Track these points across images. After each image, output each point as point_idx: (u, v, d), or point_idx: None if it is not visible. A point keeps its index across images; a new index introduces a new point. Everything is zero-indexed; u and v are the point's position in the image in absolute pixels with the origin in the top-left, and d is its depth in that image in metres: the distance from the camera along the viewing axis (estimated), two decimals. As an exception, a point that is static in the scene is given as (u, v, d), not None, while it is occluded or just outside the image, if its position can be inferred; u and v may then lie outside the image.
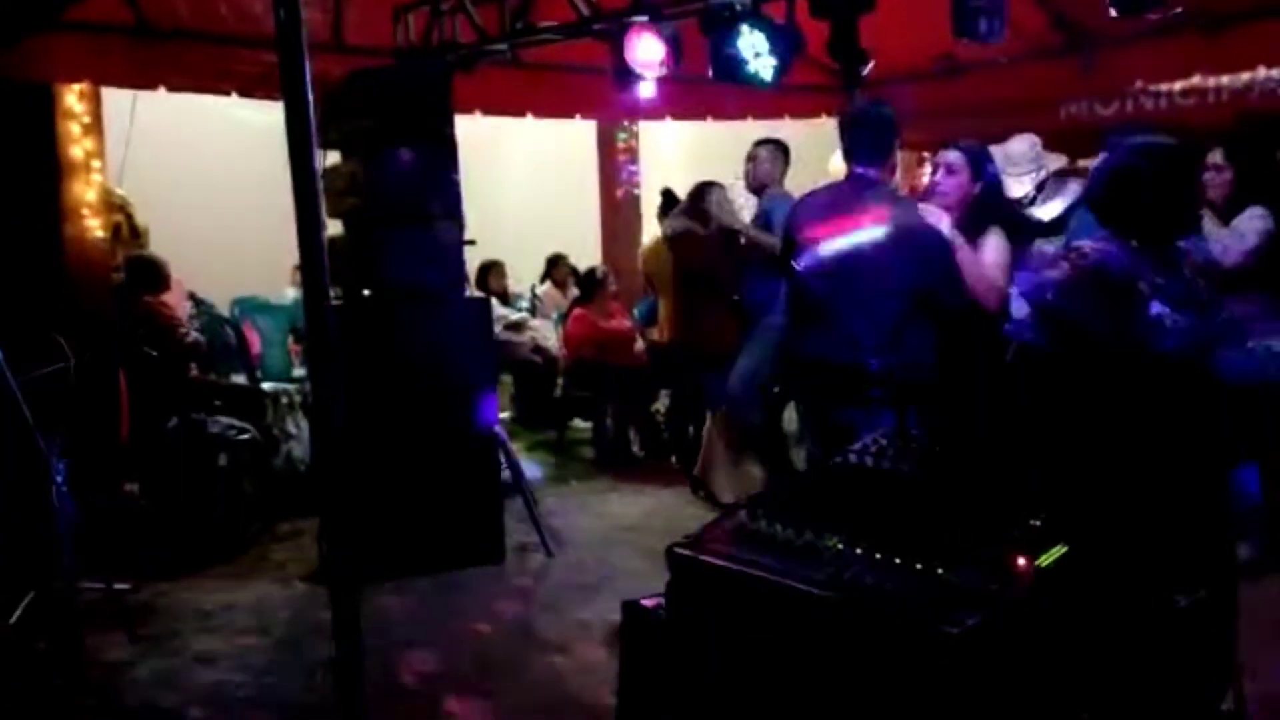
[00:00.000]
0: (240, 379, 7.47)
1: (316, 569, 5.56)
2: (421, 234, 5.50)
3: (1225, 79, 6.82)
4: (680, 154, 10.46)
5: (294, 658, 4.56)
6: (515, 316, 8.70)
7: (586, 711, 4.02)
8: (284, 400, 7.32)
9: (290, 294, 12.60)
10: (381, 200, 5.45)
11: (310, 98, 2.94)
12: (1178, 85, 7.08)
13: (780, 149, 6.49)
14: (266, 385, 7.44)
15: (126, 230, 7.04)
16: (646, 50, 4.64)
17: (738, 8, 4.30)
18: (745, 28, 4.28)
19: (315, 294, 2.93)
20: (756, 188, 6.43)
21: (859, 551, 1.82)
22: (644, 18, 4.62)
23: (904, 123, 8.58)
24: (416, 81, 5.58)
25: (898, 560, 1.76)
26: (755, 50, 4.38)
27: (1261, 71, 6.45)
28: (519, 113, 7.40)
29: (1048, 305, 3.06)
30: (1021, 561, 1.67)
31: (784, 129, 8.66)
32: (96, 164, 6.27)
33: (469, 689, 4.26)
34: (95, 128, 6.27)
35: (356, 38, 6.52)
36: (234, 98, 6.69)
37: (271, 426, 7.05)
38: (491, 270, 8.78)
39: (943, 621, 1.58)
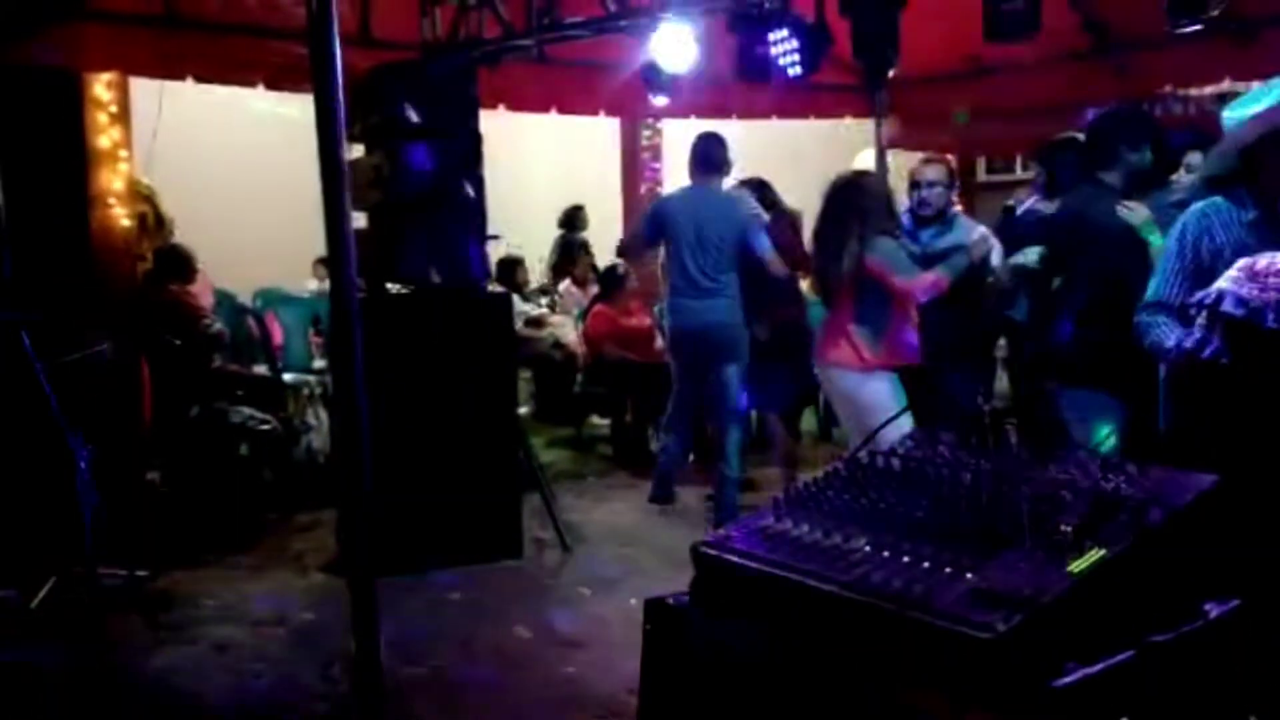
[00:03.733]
0: (261, 369, 7.51)
1: (335, 560, 5.58)
2: (445, 228, 5.51)
3: (1256, 85, 6.75)
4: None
5: (312, 648, 4.57)
6: (535, 312, 8.71)
7: (605, 708, 4.02)
8: (305, 391, 7.36)
9: (311, 286, 12.68)
10: (406, 194, 5.45)
11: (340, 90, 2.96)
12: (1207, 90, 7.04)
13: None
14: (288, 376, 7.48)
15: (152, 220, 7.07)
16: (676, 48, 4.63)
17: (766, 6, 4.28)
18: (774, 26, 4.26)
19: (340, 286, 2.94)
20: None
21: (886, 554, 1.81)
22: (671, 15, 4.60)
23: (931, 125, 8.63)
24: (442, 76, 5.58)
25: (926, 564, 1.74)
26: (783, 49, 4.37)
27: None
28: (543, 109, 7.40)
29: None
30: (1054, 566, 1.65)
31: (806, 128, 8.69)
32: (123, 153, 6.30)
33: (486, 683, 4.27)
34: (122, 117, 6.31)
35: (383, 31, 6.54)
36: (259, 89, 6.72)
37: (292, 417, 7.09)
38: (512, 266, 8.79)
39: (972, 626, 1.57)
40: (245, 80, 6.52)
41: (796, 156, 8.63)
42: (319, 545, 5.93)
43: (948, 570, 1.72)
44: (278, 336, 8.25)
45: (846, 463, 2.15)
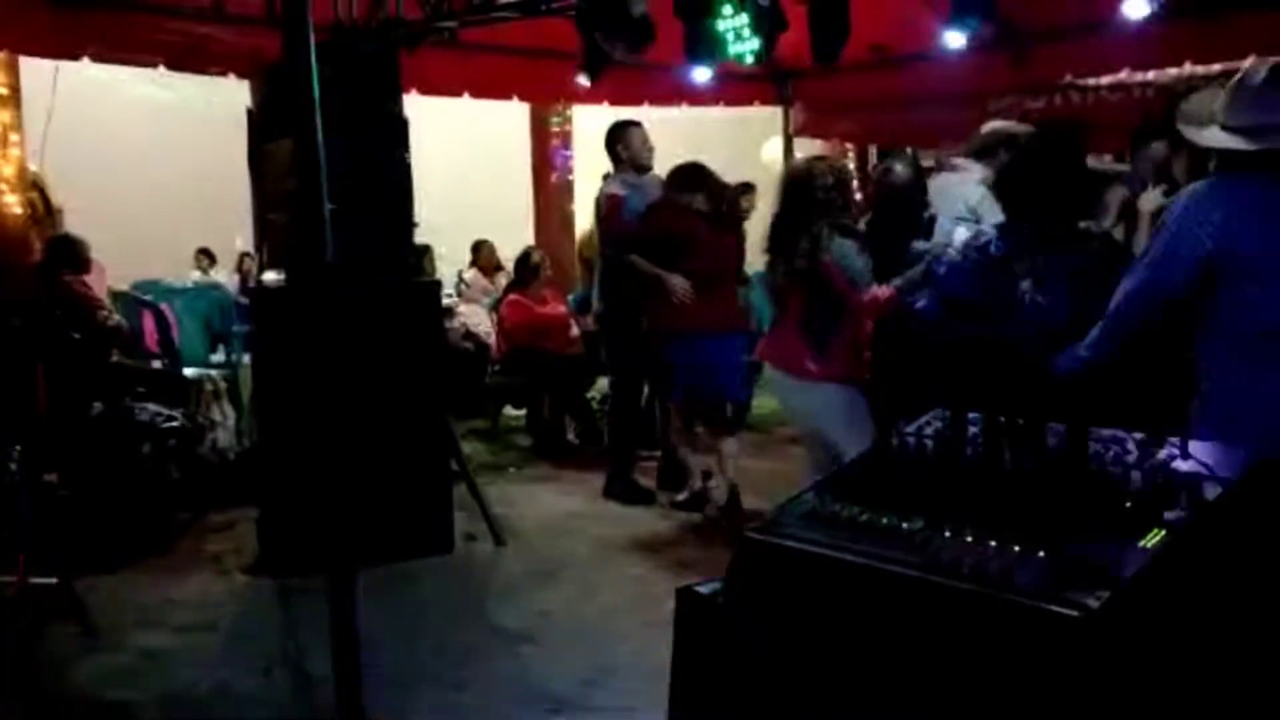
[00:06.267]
0: (157, 365, 7.22)
1: (256, 561, 5.40)
2: (369, 216, 5.34)
3: (1151, 74, 7.01)
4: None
5: (245, 652, 4.41)
6: (446, 302, 8.54)
7: (558, 700, 3.96)
8: (209, 387, 7.09)
9: (194, 276, 12.24)
10: (329, 181, 5.25)
11: (314, 74, 2.83)
12: (1105, 80, 7.27)
13: None
14: (188, 371, 7.21)
15: (41, 208, 6.71)
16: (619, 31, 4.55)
17: (714, -12, 4.25)
18: (728, 8, 4.23)
19: (317, 280, 2.81)
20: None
21: (947, 534, 1.80)
22: (610, -3, 4.53)
23: (837, 113, 8.72)
24: (363, 58, 5.41)
25: (993, 542, 1.74)
26: (736, 31, 4.34)
27: (1188, 67, 6.62)
28: (456, 93, 7.23)
29: (940, 281, 3.54)
30: (1127, 542, 1.67)
31: (715, 117, 8.72)
32: (15, 138, 5.95)
33: (434, 681, 4.15)
34: (14, 100, 5.96)
35: (294, 12, 6.30)
36: (139, 72, 6.43)
37: (196, 414, 6.82)
38: (420, 255, 8.59)
39: (1061, 603, 1.57)
40: (144, 60, 6.21)
41: (704, 143, 8.66)
42: (237, 546, 5.72)
43: (1017, 549, 1.72)
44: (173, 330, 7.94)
45: (878, 446, 2.14)
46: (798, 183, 4.62)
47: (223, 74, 6.64)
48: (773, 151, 8.60)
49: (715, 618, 2.05)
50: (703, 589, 2.10)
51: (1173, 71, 6.79)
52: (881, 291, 4.40)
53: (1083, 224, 3.72)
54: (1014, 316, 3.34)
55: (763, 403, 8.80)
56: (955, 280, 3.59)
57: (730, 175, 6.33)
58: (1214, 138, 3.05)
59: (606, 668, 4.19)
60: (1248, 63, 3.33)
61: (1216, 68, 5.91)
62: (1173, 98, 4.47)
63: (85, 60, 5.97)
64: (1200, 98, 3.36)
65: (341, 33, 5.83)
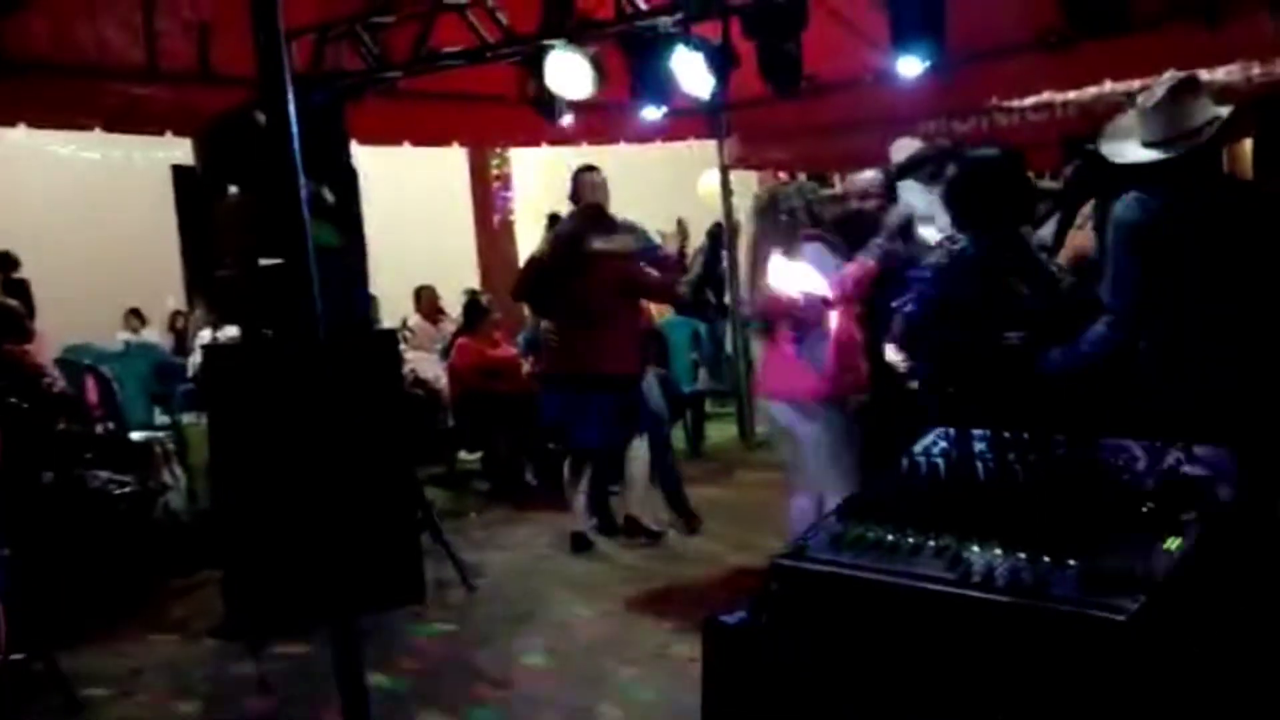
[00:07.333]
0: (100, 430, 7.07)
1: (222, 624, 5.30)
2: (325, 268, 5.31)
3: (1073, 94, 7.23)
4: (543, 179, 10.39)
5: (223, 715, 4.34)
6: (393, 349, 8.49)
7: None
8: (158, 450, 6.98)
9: (123, 337, 12.00)
10: (280, 235, 5.23)
11: (295, 132, 2.84)
12: (1029, 101, 7.47)
13: None
14: (135, 435, 7.08)
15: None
16: (571, 75, 4.61)
17: (661, 30, 4.32)
18: (681, 47, 4.30)
19: (309, 334, 2.81)
20: None
21: (977, 549, 1.86)
22: (560, 41, 4.59)
23: (770, 143, 8.85)
24: (310, 110, 5.39)
25: (1023, 555, 1.80)
26: (688, 70, 4.40)
27: (1108, 85, 6.85)
28: (396, 142, 7.24)
29: (927, 284, 3.71)
30: (1151, 547, 1.74)
31: (651, 153, 8.82)
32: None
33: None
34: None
35: (227, 68, 6.25)
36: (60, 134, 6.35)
37: (147, 478, 6.69)
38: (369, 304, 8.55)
39: (1101, 609, 1.63)
40: (81, 125, 6.16)
41: (639, 180, 8.76)
42: (201, 609, 5.61)
43: (1046, 559, 1.78)
44: (95, 394, 7.77)
45: (892, 469, 2.20)
46: (764, 209, 4.66)
47: (159, 133, 6.58)
48: (708, 184, 8.71)
49: (745, 648, 2.08)
50: (729, 620, 2.13)
51: (1093, 90, 7.00)
52: (851, 269, 4.38)
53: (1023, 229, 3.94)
54: (1009, 314, 3.49)
55: (718, 430, 8.92)
56: (944, 282, 3.70)
57: (666, 211, 6.43)
58: (1132, 153, 3.28)
59: (594, 708, 4.20)
60: (1164, 77, 3.56)
61: (1135, 84, 6.12)
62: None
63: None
64: (1125, 117, 3.59)
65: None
